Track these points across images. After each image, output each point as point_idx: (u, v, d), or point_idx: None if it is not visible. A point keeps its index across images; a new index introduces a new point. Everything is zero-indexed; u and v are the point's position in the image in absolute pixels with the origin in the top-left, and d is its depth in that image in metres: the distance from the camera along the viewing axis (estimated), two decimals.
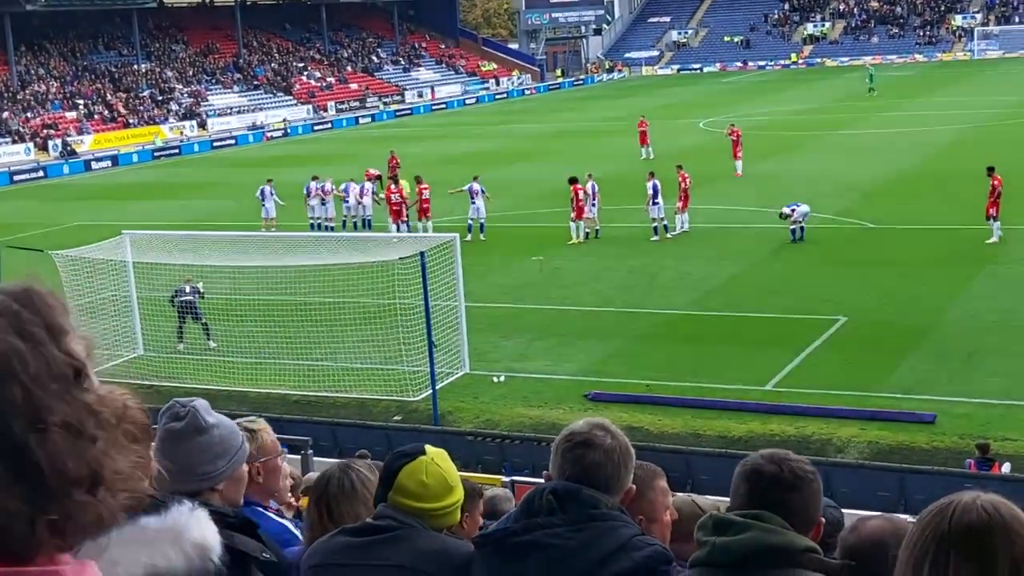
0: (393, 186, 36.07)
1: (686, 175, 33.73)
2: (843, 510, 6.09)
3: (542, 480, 3.63)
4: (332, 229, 36.82)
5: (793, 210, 31.52)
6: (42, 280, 1.51)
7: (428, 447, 3.89)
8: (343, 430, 19.06)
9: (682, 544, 4.15)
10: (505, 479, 14.99)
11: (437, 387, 21.05)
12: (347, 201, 37.78)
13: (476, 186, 35.00)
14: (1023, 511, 2.24)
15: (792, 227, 31.52)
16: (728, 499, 3.49)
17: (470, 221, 34.61)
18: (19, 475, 1.39)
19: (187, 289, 25.03)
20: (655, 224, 33.18)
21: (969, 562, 2.09)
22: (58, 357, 1.44)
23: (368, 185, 38.15)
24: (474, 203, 34.81)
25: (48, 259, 25.18)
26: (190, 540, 2.26)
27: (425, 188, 35.46)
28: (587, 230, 33.84)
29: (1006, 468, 16.26)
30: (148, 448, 2.91)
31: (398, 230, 34.01)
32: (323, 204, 37.72)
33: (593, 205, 33.86)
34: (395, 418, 20.92)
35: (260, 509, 4.47)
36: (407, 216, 35.17)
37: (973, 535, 2.12)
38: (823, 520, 3.43)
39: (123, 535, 2.13)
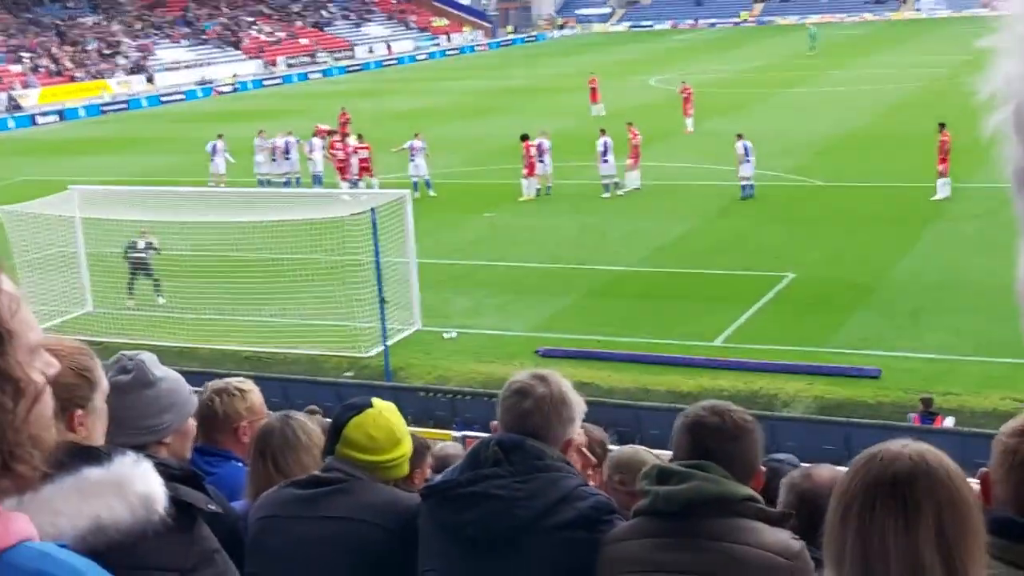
0: (338, 142, 35.72)
1: (636, 132, 33.77)
2: None
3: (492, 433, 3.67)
4: (286, 185, 36.56)
5: (746, 150, 31.41)
6: None
7: (375, 400, 3.92)
8: (294, 386, 19.02)
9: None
10: (456, 434, 15.08)
11: (389, 343, 21.08)
12: (288, 156, 37.37)
13: (417, 143, 34.69)
14: (952, 460, 2.29)
15: (743, 183, 31.68)
16: None
17: (414, 179, 34.26)
18: None
19: (140, 244, 24.69)
20: (606, 181, 33.23)
21: (895, 509, 2.14)
22: None
23: (316, 141, 37.74)
24: (413, 160, 34.49)
25: None
26: (134, 491, 2.27)
27: (364, 147, 35.07)
28: (538, 186, 33.83)
29: (949, 422, 16.56)
30: (100, 403, 2.91)
31: (351, 186, 33.72)
32: (272, 160, 37.40)
33: (541, 161, 33.77)
34: (347, 374, 20.94)
35: (240, 465, 4.53)
36: (354, 173, 34.85)
37: (899, 483, 2.17)
38: (763, 469, 3.51)
39: (66, 486, 2.14)
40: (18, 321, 1.43)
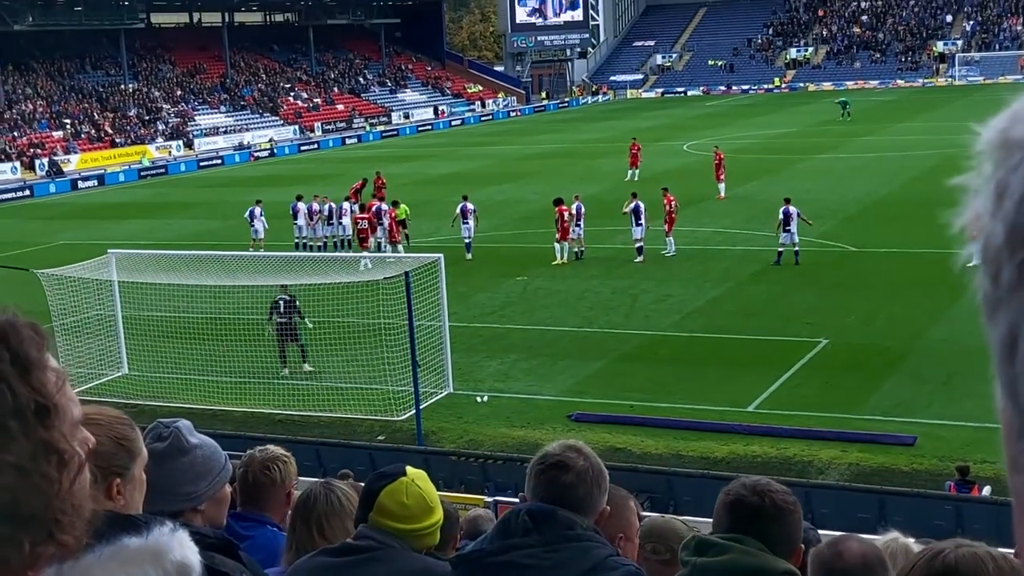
0: (360, 211, 35.69)
1: (672, 198, 33.80)
2: (824, 531, 6.17)
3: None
4: (322, 248, 36.82)
5: (785, 217, 31.45)
6: (21, 310, 1.52)
7: (408, 468, 3.94)
8: (327, 450, 19.06)
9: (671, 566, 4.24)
10: (488, 499, 15.03)
11: (421, 407, 21.08)
12: (330, 221, 37.66)
13: (469, 205, 35.08)
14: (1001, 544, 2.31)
15: (780, 250, 31.65)
16: (710, 519, 3.57)
17: (467, 240, 34.70)
18: None
19: (282, 306, 24.09)
20: (639, 244, 33.27)
21: None
22: (22, 393, 1.43)
23: (345, 205, 37.98)
24: (466, 223, 34.87)
25: (33, 278, 25.16)
26: (171, 560, 2.31)
27: (364, 217, 34.98)
28: (574, 250, 33.94)
29: (986, 491, 16.34)
30: (140, 468, 2.97)
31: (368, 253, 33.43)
32: (311, 224, 37.74)
33: (577, 226, 33.91)
34: (379, 438, 20.94)
35: (275, 530, 4.58)
36: (370, 244, 34.51)
37: None
38: (803, 547, 3.53)
39: (104, 555, 2.19)
40: (63, 396, 1.50)
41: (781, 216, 31.52)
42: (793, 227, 31.41)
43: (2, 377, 1.43)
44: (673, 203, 33.69)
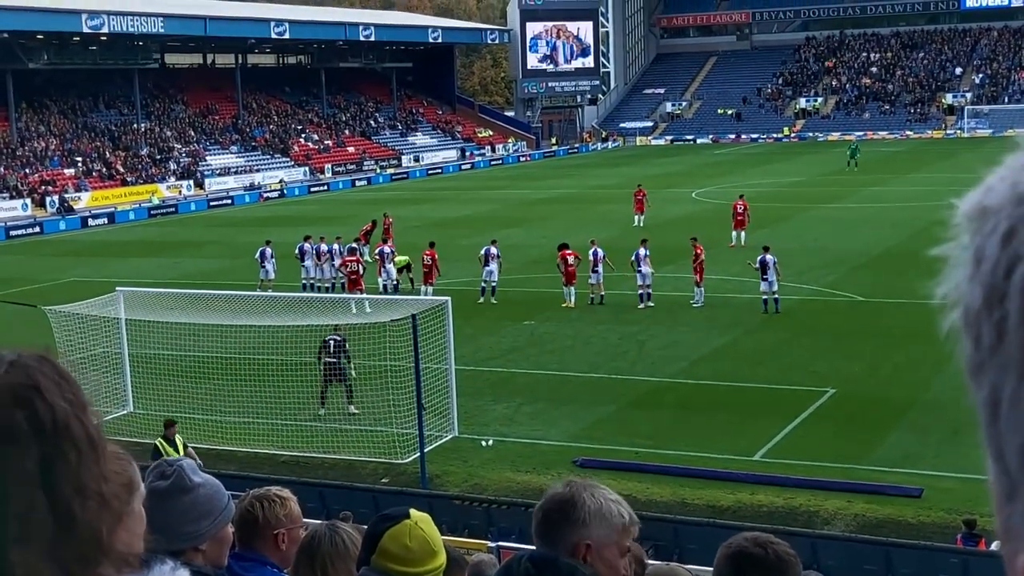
0: (349, 255, 35.68)
1: (701, 247, 33.73)
2: None
3: (528, 546, 3.67)
4: (329, 290, 36.84)
5: (762, 265, 31.55)
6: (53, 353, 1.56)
7: (412, 511, 3.93)
8: (331, 492, 18.99)
9: None
10: (491, 544, 14.96)
11: (426, 450, 21.03)
12: (335, 262, 37.72)
13: (493, 250, 35.19)
14: None
15: (764, 298, 31.74)
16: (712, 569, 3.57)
17: (483, 284, 34.77)
18: (59, 539, 1.42)
19: (331, 346, 23.86)
20: (641, 291, 33.26)
21: None
22: (91, 426, 1.49)
23: (354, 247, 38.03)
24: (488, 267, 34.96)
25: (41, 314, 25.20)
26: None
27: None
28: (592, 295, 33.90)
29: (995, 546, 16.20)
30: (138, 506, 2.97)
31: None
32: (318, 265, 37.80)
33: (595, 272, 33.85)
34: (383, 480, 20.88)
35: (275, 571, 4.54)
36: (364, 286, 34.48)
37: None
38: None
39: None
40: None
41: (758, 264, 31.66)
42: (771, 275, 31.54)
43: (81, 410, 1.49)
44: (703, 253, 33.56)
